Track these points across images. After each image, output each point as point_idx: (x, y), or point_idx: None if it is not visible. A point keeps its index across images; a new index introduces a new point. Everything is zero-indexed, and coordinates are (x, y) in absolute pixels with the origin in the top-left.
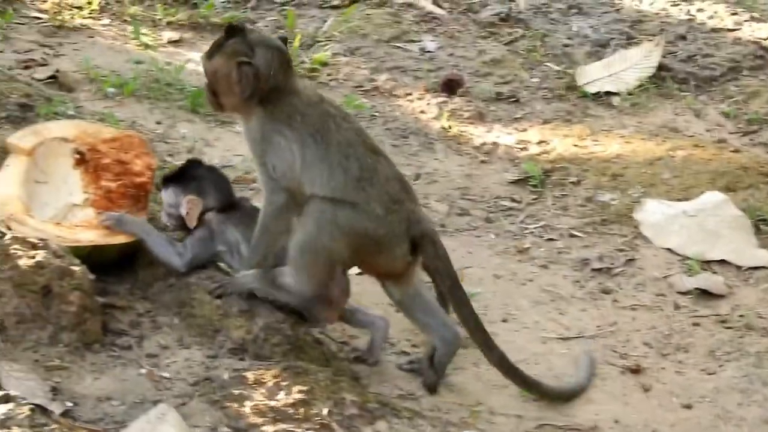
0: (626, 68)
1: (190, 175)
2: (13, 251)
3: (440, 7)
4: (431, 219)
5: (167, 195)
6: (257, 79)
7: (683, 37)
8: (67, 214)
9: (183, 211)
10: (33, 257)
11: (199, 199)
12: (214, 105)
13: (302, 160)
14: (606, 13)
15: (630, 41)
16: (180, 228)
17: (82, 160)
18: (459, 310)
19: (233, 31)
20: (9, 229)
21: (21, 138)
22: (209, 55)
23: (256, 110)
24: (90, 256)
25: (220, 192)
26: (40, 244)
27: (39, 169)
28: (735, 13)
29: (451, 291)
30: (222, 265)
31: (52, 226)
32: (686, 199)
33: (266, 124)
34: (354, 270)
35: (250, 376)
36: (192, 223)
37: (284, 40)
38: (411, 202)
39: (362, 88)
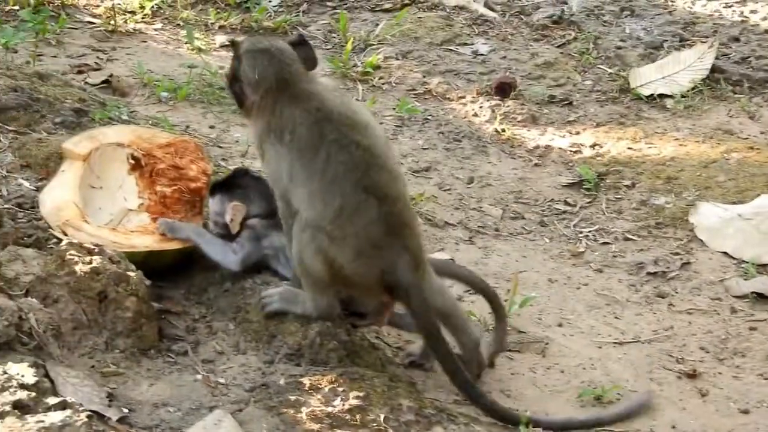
0: (680, 70)
1: (236, 183)
2: (69, 257)
3: (492, 9)
4: (410, 270)
5: (214, 203)
6: (248, 88)
7: (737, 39)
8: (122, 220)
9: (228, 218)
10: (89, 263)
11: (242, 206)
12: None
13: (289, 177)
14: (659, 15)
15: (683, 43)
16: (225, 236)
17: (137, 165)
18: (441, 363)
19: (233, 47)
20: (65, 234)
21: (77, 143)
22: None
23: (256, 120)
24: (146, 261)
25: (264, 200)
26: (96, 250)
27: (94, 174)
28: None
29: (428, 343)
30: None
31: (107, 231)
32: (741, 202)
33: (262, 131)
34: None
35: (306, 381)
36: (235, 228)
37: (299, 40)
38: (395, 250)
39: (415, 92)
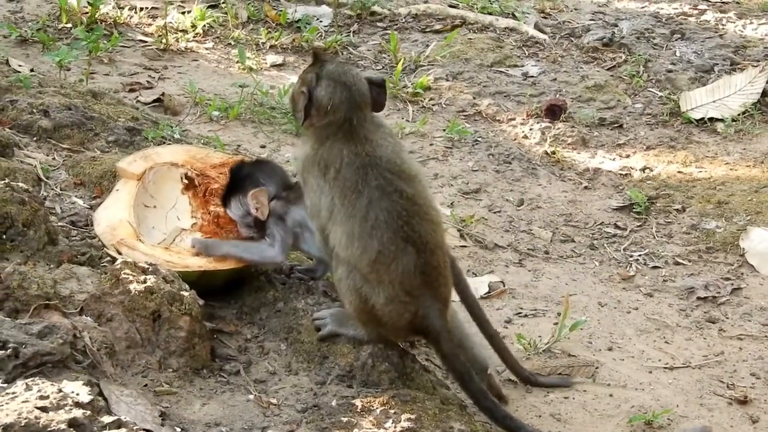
0: (730, 94)
1: (239, 179)
2: (124, 276)
3: (542, 31)
4: (441, 317)
5: (233, 210)
6: (314, 108)
7: None
8: (175, 239)
9: (253, 209)
10: (143, 282)
11: (261, 189)
12: (298, 123)
13: (329, 213)
14: (709, 38)
15: (734, 67)
16: (260, 230)
17: (191, 185)
18: (476, 402)
19: (315, 59)
20: (119, 253)
21: (131, 163)
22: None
23: (308, 145)
24: (199, 281)
25: (273, 178)
26: (151, 269)
27: (148, 193)
28: None
29: (461, 385)
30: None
31: (161, 250)
32: None
33: (307, 160)
34: None
35: (358, 403)
36: (265, 213)
37: (379, 82)
38: (428, 298)
39: (465, 113)
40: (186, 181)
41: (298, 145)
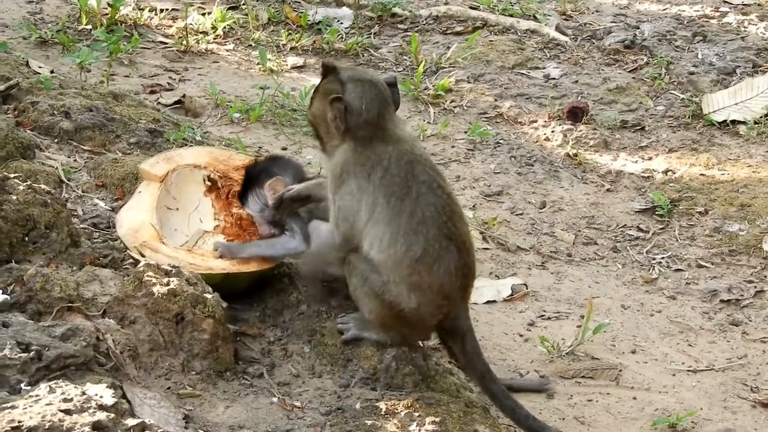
0: (753, 96)
1: (254, 177)
2: (147, 278)
3: (564, 33)
4: (467, 317)
5: (251, 206)
6: (350, 113)
7: None
8: (198, 241)
9: (270, 200)
10: (167, 284)
11: (276, 179)
12: (321, 147)
13: (369, 215)
14: (731, 40)
15: (756, 69)
16: (279, 227)
17: (213, 187)
18: (496, 403)
19: (326, 70)
20: (142, 256)
21: (153, 165)
22: (310, 101)
23: (342, 149)
24: (222, 283)
25: (289, 168)
26: (174, 272)
27: (171, 195)
28: None
29: (480, 384)
30: None
31: (184, 253)
32: None
33: (348, 164)
34: None
35: (382, 406)
36: None
37: (393, 81)
38: (462, 299)
39: (486, 115)
40: (209, 183)
41: (330, 153)
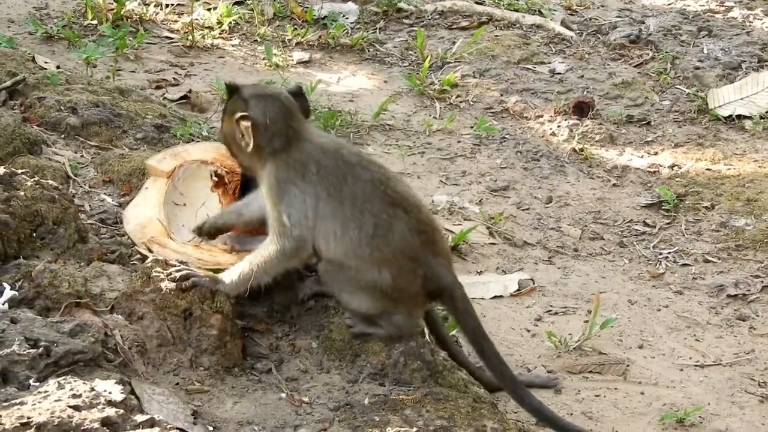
0: (758, 91)
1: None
2: (155, 274)
3: (569, 28)
4: (449, 272)
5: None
6: (256, 129)
7: None
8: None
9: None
10: (174, 279)
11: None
12: (239, 163)
13: (315, 212)
14: (736, 35)
15: (761, 64)
16: None
17: (220, 183)
18: (486, 362)
19: (230, 90)
20: (150, 251)
21: (160, 160)
22: (221, 122)
23: (268, 163)
24: None
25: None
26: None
27: (178, 191)
28: None
29: (473, 343)
30: None
31: (192, 248)
32: None
33: (280, 172)
34: None
35: (390, 401)
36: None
37: (298, 91)
38: (431, 255)
39: (492, 110)
40: (216, 179)
41: (260, 174)
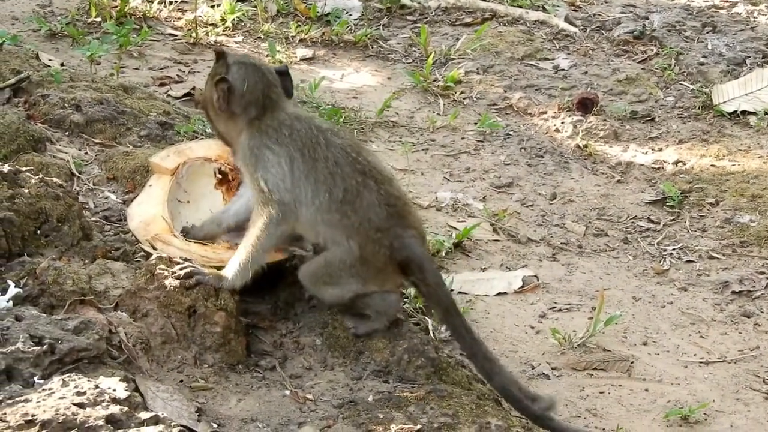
0: (763, 87)
1: None
2: (159, 271)
3: (573, 24)
4: (419, 244)
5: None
6: (231, 93)
7: None
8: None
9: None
10: (179, 277)
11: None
12: (218, 137)
13: (291, 174)
14: (741, 30)
15: (766, 59)
16: None
17: (224, 180)
18: (457, 337)
19: (217, 56)
20: (154, 248)
21: (164, 158)
22: (205, 86)
23: (244, 132)
24: None
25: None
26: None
27: (182, 188)
28: None
29: (444, 319)
30: None
31: (196, 245)
32: None
33: (254, 138)
34: None
35: (394, 398)
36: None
37: (284, 70)
38: (400, 227)
39: (496, 107)
40: (219, 176)
41: (235, 141)
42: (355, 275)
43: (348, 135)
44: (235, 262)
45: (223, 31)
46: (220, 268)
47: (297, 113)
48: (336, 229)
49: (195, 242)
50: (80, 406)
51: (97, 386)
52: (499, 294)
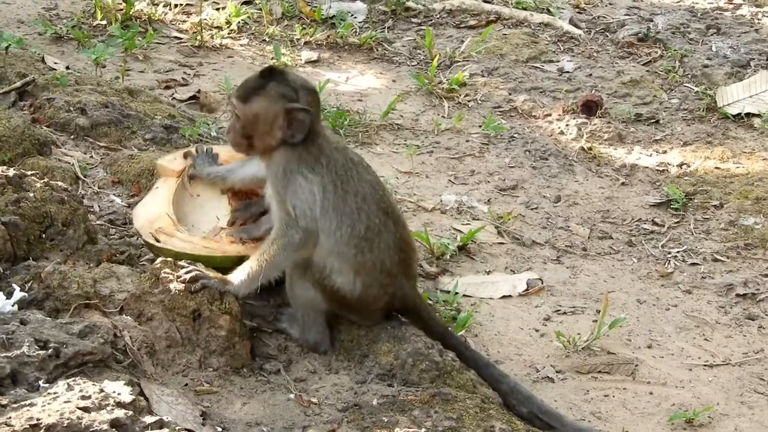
0: (767, 89)
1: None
2: (164, 275)
3: (577, 26)
4: (417, 294)
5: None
6: (308, 123)
7: None
8: (214, 237)
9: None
10: (184, 281)
11: None
12: (242, 147)
13: (320, 204)
14: (745, 33)
15: None
16: None
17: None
18: (457, 354)
19: (271, 73)
20: (158, 241)
21: (170, 160)
22: (245, 98)
23: (279, 151)
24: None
25: None
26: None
27: (188, 192)
28: None
29: (443, 343)
30: None
31: (199, 238)
32: None
33: (290, 163)
34: None
35: (398, 402)
36: None
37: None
38: (405, 278)
39: (500, 109)
40: None
41: (270, 159)
42: (341, 304)
43: (373, 171)
44: (244, 271)
45: (228, 33)
46: (223, 258)
47: (336, 143)
48: (346, 263)
49: (197, 236)
50: (85, 410)
51: (102, 390)
52: (504, 297)
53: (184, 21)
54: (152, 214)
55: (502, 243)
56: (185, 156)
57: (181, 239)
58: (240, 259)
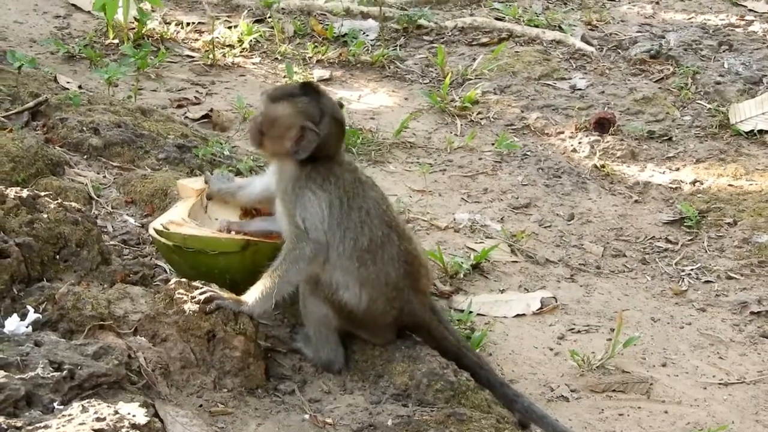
0: None
1: None
2: (178, 296)
3: (590, 44)
4: (426, 309)
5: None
6: (309, 141)
7: None
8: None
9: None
10: (199, 302)
11: None
12: (256, 141)
13: (328, 218)
14: (757, 49)
15: None
16: None
17: (247, 213)
18: (471, 374)
19: (309, 88)
20: (167, 229)
21: (192, 181)
22: (275, 98)
23: (292, 163)
24: (245, 256)
25: None
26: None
27: (207, 215)
28: None
29: (457, 362)
30: None
31: (207, 230)
32: None
33: (300, 179)
34: None
35: (413, 422)
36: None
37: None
38: (412, 291)
39: (513, 127)
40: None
41: (282, 170)
42: (349, 320)
43: (380, 190)
44: (258, 290)
45: (241, 52)
46: (230, 242)
47: (348, 165)
48: (351, 276)
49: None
50: None
51: (116, 412)
52: (518, 315)
53: (196, 39)
54: (165, 219)
55: (516, 261)
56: (205, 180)
57: (189, 228)
58: (246, 244)
